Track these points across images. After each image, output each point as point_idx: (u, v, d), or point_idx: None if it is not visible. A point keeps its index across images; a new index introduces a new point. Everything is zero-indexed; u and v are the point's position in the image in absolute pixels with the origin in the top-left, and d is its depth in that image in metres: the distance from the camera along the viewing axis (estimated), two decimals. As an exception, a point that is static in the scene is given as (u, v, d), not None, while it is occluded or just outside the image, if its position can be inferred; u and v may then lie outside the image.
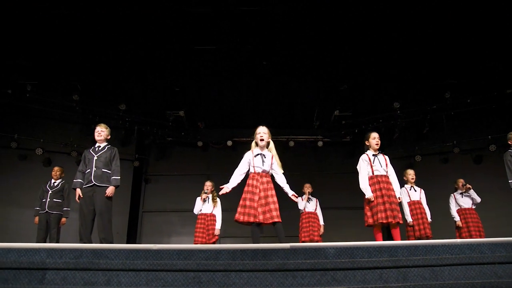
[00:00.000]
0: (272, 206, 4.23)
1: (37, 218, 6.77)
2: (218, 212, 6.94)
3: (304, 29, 7.42)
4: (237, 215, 4.28)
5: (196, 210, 6.93)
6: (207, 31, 7.49)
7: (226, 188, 4.35)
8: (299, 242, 7.15)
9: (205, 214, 6.88)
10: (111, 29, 7.39)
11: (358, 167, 4.90)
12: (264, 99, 9.53)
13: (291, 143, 9.83)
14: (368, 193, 4.69)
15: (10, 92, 8.76)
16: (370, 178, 4.78)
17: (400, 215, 4.64)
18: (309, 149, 10.38)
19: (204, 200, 6.89)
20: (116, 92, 9.38)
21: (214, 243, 6.74)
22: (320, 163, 10.45)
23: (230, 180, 4.42)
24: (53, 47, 7.82)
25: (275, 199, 4.29)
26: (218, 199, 7.00)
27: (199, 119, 10.00)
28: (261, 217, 4.19)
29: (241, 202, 4.31)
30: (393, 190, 4.71)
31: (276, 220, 4.16)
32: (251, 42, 7.78)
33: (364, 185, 4.76)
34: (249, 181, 4.40)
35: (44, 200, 6.77)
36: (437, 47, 7.74)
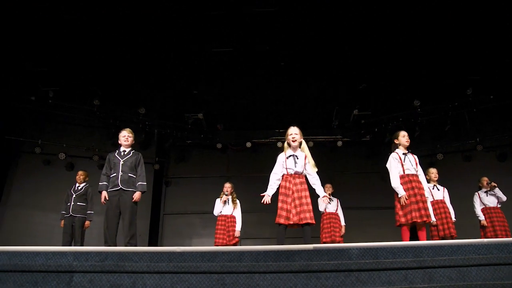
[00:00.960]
0: (305, 207, 4.22)
1: (62, 222, 6.91)
2: (238, 213, 6.97)
3: (322, 29, 7.38)
4: (276, 218, 4.29)
5: (216, 212, 6.96)
6: (224, 33, 7.52)
7: (267, 196, 4.36)
8: (320, 243, 7.12)
9: (225, 216, 6.90)
10: (129, 34, 7.49)
11: (388, 165, 4.82)
12: (282, 100, 9.52)
13: (310, 144, 9.77)
14: (401, 191, 4.61)
15: (33, 99, 8.96)
16: (401, 177, 4.70)
17: (430, 214, 4.59)
18: (328, 149, 10.32)
19: (225, 202, 6.92)
20: (135, 96, 9.50)
21: (234, 244, 6.76)
22: (340, 163, 10.38)
23: (268, 187, 4.42)
24: (73, 54, 7.96)
25: (308, 200, 4.27)
26: (237, 201, 7.03)
27: (217, 121, 10.04)
28: (295, 218, 4.19)
29: (278, 205, 4.32)
30: (423, 189, 4.65)
31: (309, 221, 4.15)
32: (268, 43, 7.78)
33: (396, 184, 4.67)
34: (282, 183, 4.41)
35: (68, 204, 6.90)
36: (458, 42, 7.60)
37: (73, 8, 6.80)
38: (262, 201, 4.33)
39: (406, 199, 4.57)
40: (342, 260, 2.82)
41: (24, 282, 2.86)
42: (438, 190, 6.24)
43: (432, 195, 6.15)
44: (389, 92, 9.28)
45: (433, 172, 6.34)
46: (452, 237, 5.73)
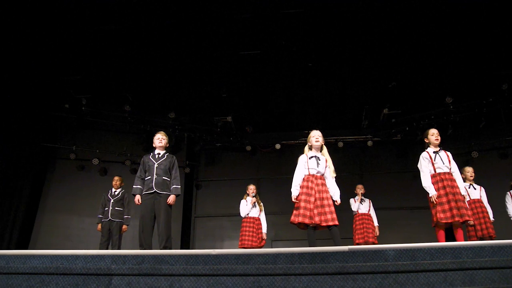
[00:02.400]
0: (327, 209, 4.22)
1: (99, 226, 7.08)
2: (263, 215, 7.05)
3: (349, 28, 7.31)
4: (292, 217, 4.32)
5: (243, 213, 6.99)
6: (251, 36, 7.55)
7: (293, 197, 4.43)
8: (353, 244, 7.05)
9: (253, 218, 6.94)
10: (157, 40, 7.62)
11: (419, 165, 4.78)
12: (310, 101, 9.47)
13: (340, 144, 9.70)
14: (432, 191, 4.55)
15: (67, 107, 9.24)
16: (433, 176, 4.64)
17: (469, 213, 4.46)
18: (358, 150, 10.19)
19: (254, 204, 6.95)
20: (165, 101, 9.64)
21: (262, 247, 6.79)
22: (371, 163, 10.23)
23: (293, 187, 4.48)
24: (104, 61, 8.15)
25: (330, 202, 4.29)
26: (261, 203, 7.08)
27: (246, 123, 10.07)
28: (317, 218, 4.19)
29: (296, 204, 4.33)
30: (457, 187, 4.54)
31: (330, 223, 4.15)
32: (295, 44, 7.76)
33: (427, 184, 4.63)
34: (304, 183, 4.43)
35: (106, 208, 7.08)
36: (491, 36, 7.38)
37: (104, 18, 6.98)
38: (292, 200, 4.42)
39: (436, 199, 4.50)
40: (378, 262, 2.79)
41: (65, 284, 2.95)
42: (475, 189, 6.06)
43: (468, 195, 5.97)
44: (419, 90, 9.08)
45: (469, 171, 6.17)
46: (491, 238, 5.57)
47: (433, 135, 4.83)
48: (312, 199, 4.30)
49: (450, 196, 4.45)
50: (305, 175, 4.48)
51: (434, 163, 4.67)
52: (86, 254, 3.13)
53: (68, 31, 7.28)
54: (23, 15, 6.82)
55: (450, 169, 4.67)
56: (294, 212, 4.33)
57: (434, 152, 4.74)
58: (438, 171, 4.64)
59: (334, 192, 4.45)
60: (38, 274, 2.97)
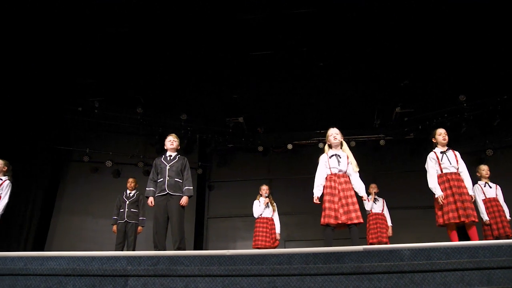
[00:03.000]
0: (351, 207, 4.20)
1: (115, 227, 7.13)
2: (276, 216, 7.03)
3: (360, 26, 7.28)
4: (322, 219, 4.30)
5: (256, 214, 6.98)
6: (262, 37, 7.56)
7: (316, 199, 4.42)
8: (367, 244, 7.01)
9: (266, 218, 6.93)
10: (168, 42, 7.67)
11: (426, 165, 4.76)
12: (322, 100, 9.44)
13: (352, 143, 9.64)
14: (438, 192, 4.53)
15: (80, 110, 9.34)
16: (439, 176, 4.61)
17: (475, 214, 4.42)
18: (371, 149, 10.13)
19: (267, 204, 6.94)
20: (176, 103, 9.70)
21: (275, 247, 6.78)
22: (383, 163, 10.17)
23: (315, 188, 4.46)
24: (116, 64, 8.23)
25: (354, 199, 4.26)
26: (274, 203, 7.07)
27: (258, 124, 10.08)
28: (343, 217, 4.17)
29: (322, 205, 4.32)
30: (465, 187, 4.50)
31: (355, 221, 4.13)
32: (306, 44, 7.75)
33: (433, 184, 4.61)
34: (327, 183, 4.42)
35: (122, 210, 7.13)
36: (504, 32, 7.28)
37: (116, 21, 7.05)
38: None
39: (443, 199, 4.47)
40: (394, 262, 2.77)
41: (82, 285, 2.99)
42: (490, 187, 5.97)
43: (484, 193, 5.90)
44: (432, 88, 9.00)
45: (484, 169, 6.10)
46: (507, 237, 5.48)
47: (441, 135, 4.80)
48: (336, 198, 4.28)
49: (457, 196, 4.43)
50: (327, 175, 4.46)
51: (440, 163, 4.65)
52: (102, 256, 3.16)
53: (80, 35, 7.36)
54: (35, 19, 6.92)
55: (457, 169, 4.63)
56: (323, 213, 4.30)
57: (441, 152, 4.72)
58: (444, 171, 4.61)
59: (359, 187, 4.41)
60: (56, 275, 3.01)
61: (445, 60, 8.07)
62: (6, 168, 5.61)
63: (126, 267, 3.02)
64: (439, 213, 4.57)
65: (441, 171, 4.64)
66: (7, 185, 5.48)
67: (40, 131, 9.60)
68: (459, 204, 4.38)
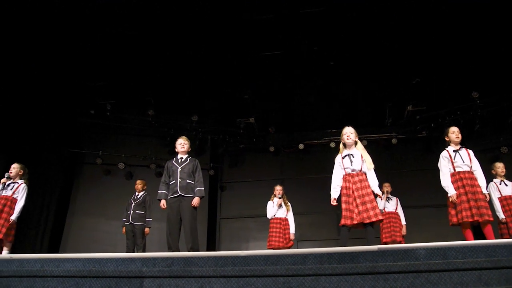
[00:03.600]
0: (368, 205, 4.18)
1: (124, 229, 7.19)
2: (291, 216, 7.00)
3: (370, 25, 7.24)
4: (341, 220, 4.29)
5: (269, 215, 6.98)
6: (272, 37, 7.56)
7: (332, 199, 4.44)
8: (380, 243, 6.96)
9: (280, 219, 6.91)
10: (178, 44, 7.71)
11: (438, 164, 4.71)
12: (332, 100, 9.41)
13: (364, 142, 9.52)
14: (451, 191, 4.49)
15: (92, 112, 9.43)
16: (452, 175, 4.57)
17: (489, 212, 4.37)
18: (383, 148, 10.05)
19: (280, 205, 6.93)
20: (187, 104, 9.73)
21: (290, 247, 6.76)
22: (396, 161, 10.07)
23: (331, 189, 4.47)
24: (127, 67, 8.30)
25: (371, 197, 4.24)
26: (289, 203, 7.04)
27: (269, 124, 10.06)
28: (358, 218, 4.15)
29: (341, 206, 4.34)
30: (478, 186, 4.45)
31: (373, 219, 4.10)
32: (317, 44, 7.73)
33: (446, 183, 4.56)
34: (343, 184, 4.43)
35: (128, 212, 7.18)
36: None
37: (126, 24, 7.11)
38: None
39: (455, 198, 4.42)
40: (409, 261, 2.75)
41: (98, 287, 3.02)
42: (506, 185, 5.87)
43: (499, 191, 5.80)
44: (444, 85, 8.91)
45: (499, 166, 6.00)
46: (525, 235, 5.40)
47: (454, 133, 4.74)
48: (351, 199, 4.27)
49: (470, 195, 4.38)
50: (343, 175, 4.46)
51: (453, 161, 4.60)
52: (117, 257, 3.19)
53: (91, 39, 7.44)
54: (48, 24, 7.01)
55: (471, 167, 4.58)
56: (342, 214, 4.31)
57: (454, 150, 4.66)
58: (457, 170, 4.56)
59: (373, 185, 4.38)
60: (72, 277, 3.05)
61: (457, 57, 7.98)
62: (22, 171, 5.68)
63: (141, 269, 3.05)
64: (452, 212, 4.53)
65: (454, 170, 4.59)
66: (23, 188, 5.55)
67: (53, 134, 9.71)
68: (472, 203, 4.34)
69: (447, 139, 4.80)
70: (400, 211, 7.27)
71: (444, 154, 4.71)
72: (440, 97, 9.12)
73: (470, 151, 4.69)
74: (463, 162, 4.57)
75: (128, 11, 6.86)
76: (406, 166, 10.02)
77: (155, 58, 8.10)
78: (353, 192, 4.29)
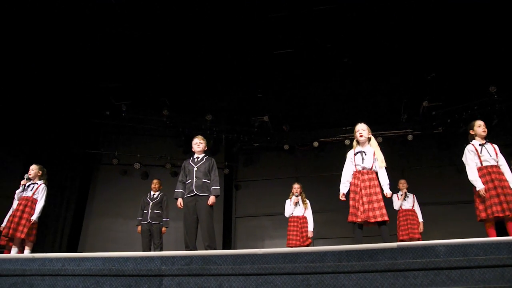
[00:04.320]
0: (375, 204, 4.13)
1: (139, 228, 7.24)
2: (309, 214, 6.96)
3: (383, 20, 7.16)
4: (349, 216, 4.28)
5: (287, 213, 6.98)
6: (285, 35, 7.54)
7: (341, 193, 4.42)
8: (397, 241, 6.90)
9: (297, 217, 6.90)
10: (191, 44, 7.74)
11: (464, 159, 4.60)
12: (347, 97, 9.35)
13: (379, 139, 9.47)
14: (479, 185, 4.37)
15: (108, 114, 9.53)
16: (479, 169, 4.45)
17: None
18: (398, 144, 9.96)
19: (296, 203, 6.92)
20: (201, 103, 9.78)
21: (308, 245, 6.74)
22: (412, 158, 9.98)
23: (341, 184, 4.45)
24: (141, 68, 8.36)
25: (379, 197, 4.19)
26: (307, 201, 7.01)
27: (283, 122, 10.05)
28: (362, 216, 4.12)
29: (349, 203, 4.31)
30: (506, 180, 4.34)
31: (379, 219, 4.07)
32: (330, 41, 7.68)
33: (474, 177, 4.44)
34: (352, 181, 4.40)
35: (145, 211, 7.22)
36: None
37: (139, 25, 7.16)
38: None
39: (485, 192, 4.34)
40: (429, 258, 2.72)
41: (119, 285, 3.05)
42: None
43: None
44: (461, 80, 8.78)
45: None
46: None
47: (480, 126, 4.63)
48: (357, 196, 4.25)
49: (499, 190, 4.27)
50: (353, 172, 4.44)
51: (480, 155, 4.49)
52: (136, 256, 3.22)
53: (106, 41, 7.51)
54: (63, 27, 7.10)
55: (497, 162, 4.49)
56: (350, 210, 4.29)
57: (480, 144, 4.56)
58: (484, 164, 4.45)
59: (383, 184, 4.32)
60: (93, 275, 3.09)
61: (474, 51, 7.85)
62: (40, 172, 5.76)
63: (161, 267, 3.07)
64: (481, 207, 4.40)
65: (481, 164, 4.48)
66: (43, 188, 5.63)
67: (70, 136, 9.86)
68: (502, 197, 4.22)
69: (472, 133, 4.68)
70: (417, 208, 7.19)
71: (470, 148, 4.60)
72: (456, 92, 8.99)
73: (495, 146, 4.58)
74: (490, 156, 4.47)
75: (141, 11, 6.90)
76: (422, 162, 9.93)
77: (169, 59, 8.14)
78: (360, 190, 4.26)
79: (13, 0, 6.40)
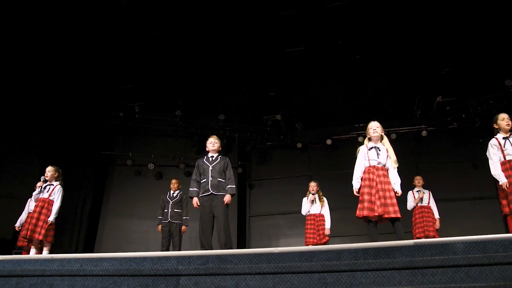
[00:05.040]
0: (388, 201, 4.13)
1: (160, 227, 7.30)
2: (326, 211, 6.93)
3: (395, 15, 7.09)
4: (357, 211, 4.26)
5: (304, 211, 6.97)
6: (296, 33, 7.52)
7: (355, 191, 4.39)
8: (413, 238, 6.84)
9: (314, 215, 6.89)
10: (203, 44, 7.75)
11: (487, 153, 4.53)
12: (360, 93, 9.29)
13: (393, 136, 9.41)
14: (502, 179, 4.31)
15: (121, 115, 9.61)
16: (502, 163, 4.39)
17: None
18: (413, 140, 9.88)
19: (313, 201, 6.90)
20: (214, 103, 9.80)
21: (325, 243, 6.72)
22: (426, 154, 9.88)
23: (354, 180, 4.43)
24: (153, 69, 8.41)
25: (392, 194, 4.19)
26: (324, 199, 6.98)
27: (296, 120, 10.03)
28: (380, 210, 4.10)
29: (359, 198, 4.28)
30: None
31: (392, 215, 4.05)
32: (341, 38, 7.64)
33: (497, 171, 4.38)
34: (365, 175, 4.37)
35: (166, 210, 7.28)
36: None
37: (150, 26, 7.20)
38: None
39: (507, 186, 4.26)
40: (447, 255, 2.69)
41: (136, 285, 3.08)
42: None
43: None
44: (475, 74, 8.65)
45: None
46: None
47: (504, 120, 4.54)
48: (374, 191, 4.22)
49: None
50: (366, 167, 4.41)
51: (503, 149, 4.41)
52: (153, 256, 3.24)
53: (119, 42, 7.57)
54: (77, 30, 7.17)
55: None
56: (359, 206, 4.27)
57: (503, 138, 4.48)
58: (508, 158, 4.37)
59: (395, 182, 4.32)
60: (110, 275, 3.12)
61: (487, 44, 7.73)
62: (56, 173, 5.84)
63: (177, 267, 3.09)
64: (504, 202, 4.33)
65: (504, 158, 4.40)
66: (59, 189, 5.71)
67: (85, 138, 9.97)
68: None
69: (496, 127, 4.60)
70: (433, 205, 7.11)
71: (493, 142, 4.52)
72: (471, 86, 8.86)
73: None
74: None
75: (153, 12, 6.94)
76: (437, 158, 9.83)
77: (181, 59, 8.18)
78: (376, 184, 4.24)
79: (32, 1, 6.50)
